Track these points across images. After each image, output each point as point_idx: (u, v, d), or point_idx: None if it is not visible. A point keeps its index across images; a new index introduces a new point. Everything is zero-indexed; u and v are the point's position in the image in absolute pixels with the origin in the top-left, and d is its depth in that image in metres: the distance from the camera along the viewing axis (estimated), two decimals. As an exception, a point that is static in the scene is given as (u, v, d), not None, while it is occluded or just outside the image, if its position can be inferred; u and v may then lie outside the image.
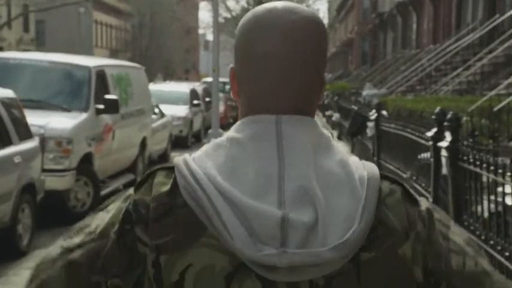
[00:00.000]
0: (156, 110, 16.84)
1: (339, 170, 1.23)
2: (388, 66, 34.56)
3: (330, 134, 1.29)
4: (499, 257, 4.55)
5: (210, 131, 14.82)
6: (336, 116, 22.04)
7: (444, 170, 5.90)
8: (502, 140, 5.30)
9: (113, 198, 1.34)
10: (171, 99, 20.94)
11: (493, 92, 13.30)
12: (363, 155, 13.99)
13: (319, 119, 33.09)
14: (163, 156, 17.11)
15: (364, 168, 1.26)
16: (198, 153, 1.27)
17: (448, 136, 5.79)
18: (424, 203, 1.29)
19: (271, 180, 1.20)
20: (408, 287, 1.24)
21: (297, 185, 1.19)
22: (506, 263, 4.44)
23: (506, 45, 16.78)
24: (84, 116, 10.16)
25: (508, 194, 4.54)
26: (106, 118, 10.71)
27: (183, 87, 23.64)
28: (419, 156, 7.45)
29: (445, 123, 5.91)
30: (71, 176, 9.58)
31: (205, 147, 1.28)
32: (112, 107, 10.56)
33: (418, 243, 1.24)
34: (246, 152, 1.23)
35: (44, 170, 8.97)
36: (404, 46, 36.11)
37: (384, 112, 11.18)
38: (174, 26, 63.50)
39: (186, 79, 61.09)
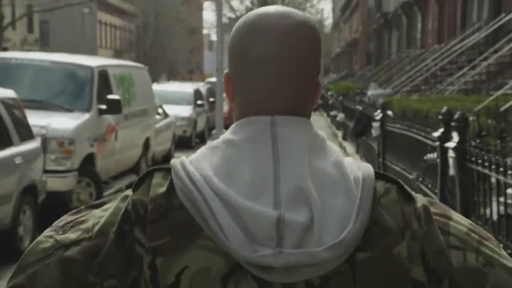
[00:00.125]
0: (160, 111, 16.78)
1: (334, 170, 1.24)
2: (393, 66, 34.48)
3: (324, 135, 1.30)
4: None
5: (214, 132, 14.74)
6: (340, 116, 21.96)
7: (451, 171, 5.81)
8: (509, 141, 5.20)
9: (108, 197, 1.33)
10: (175, 100, 20.88)
11: (500, 92, 13.22)
12: (368, 155, 13.91)
13: (323, 119, 33.04)
14: (167, 157, 17.04)
15: (359, 169, 1.26)
16: (195, 155, 1.28)
17: (455, 136, 5.69)
18: (421, 200, 1.29)
19: (267, 181, 1.21)
20: (404, 286, 1.24)
21: (293, 185, 1.20)
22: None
23: (512, 44, 16.69)
24: (86, 116, 10.08)
25: (517, 195, 4.45)
26: (109, 118, 10.63)
27: (187, 88, 23.58)
28: (425, 157, 7.36)
29: (452, 124, 5.80)
30: (73, 177, 9.50)
31: (202, 149, 1.29)
32: (115, 107, 10.48)
33: (414, 242, 1.24)
34: (241, 153, 1.24)
35: (45, 171, 8.89)
36: (409, 46, 36.02)
37: (389, 112, 11.08)
38: (178, 27, 63.50)
39: (190, 79, 61.08)
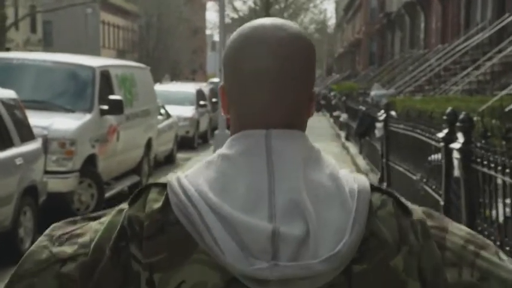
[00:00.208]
0: (162, 111, 16.72)
1: (329, 183, 1.24)
2: (396, 66, 34.41)
3: (319, 148, 1.30)
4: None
5: (216, 132, 14.68)
6: (343, 117, 21.90)
7: (456, 173, 5.73)
8: (515, 141, 5.11)
9: (105, 210, 1.33)
10: (178, 100, 20.83)
11: (504, 92, 13.16)
12: (371, 156, 13.84)
13: (326, 119, 32.97)
14: (170, 157, 16.99)
15: (354, 181, 1.27)
16: (191, 171, 1.28)
17: (460, 137, 5.61)
18: (417, 213, 1.29)
19: (262, 195, 1.21)
20: None
21: (288, 198, 1.20)
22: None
23: (516, 44, 16.60)
24: (88, 117, 10.02)
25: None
26: (110, 119, 10.57)
27: (189, 88, 23.53)
28: (429, 158, 7.28)
29: (457, 124, 5.73)
30: (74, 178, 9.45)
31: (198, 165, 1.29)
32: (116, 107, 10.43)
33: (411, 256, 1.24)
34: (237, 167, 1.24)
35: (46, 172, 8.84)
36: (413, 46, 35.95)
37: (393, 112, 11.01)
38: (181, 27, 63.49)
39: (193, 79, 61.05)
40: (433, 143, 7.14)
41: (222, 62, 1.34)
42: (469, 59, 20.83)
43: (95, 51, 43.53)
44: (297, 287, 1.17)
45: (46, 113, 9.77)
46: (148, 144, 12.98)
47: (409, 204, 1.29)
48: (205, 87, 26.09)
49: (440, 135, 6.43)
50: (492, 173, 4.86)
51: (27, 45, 43.61)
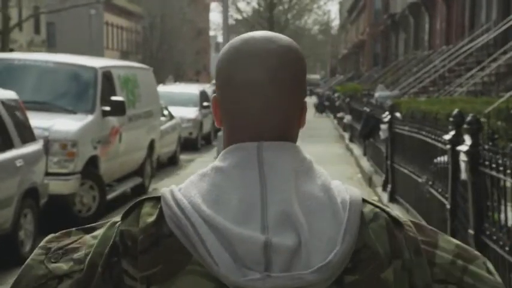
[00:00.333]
0: (165, 112, 16.64)
1: (321, 193, 1.26)
2: (400, 68, 34.30)
3: (312, 159, 1.31)
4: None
5: (219, 133, 14.60)
6: (347, 118, 21.81)
7: (463, 175, 5.62)
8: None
9: (100, 222, 1.35)
10: (181, 101, 20.77)
11: (510, 93, 13.05)
12: (376, 158, 13.73)
13: (330, 120, 32.85)
14: (173, 159, 16.91)
15: (346, 192, 1.28)
16: (185, 183, 1.30)
17: (467, 139, 5.51)
18: (409, 228, 1.31)
19: (254, 206, 1.23)
20: None
21: (280, 210, 1.22)
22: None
23: (521, 45, 16.49)
24: (89, 118, 9.94)
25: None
26: (112, 120, 10.49)
27: (192, 89, 23.46)
28: (435, 160, 7.18)
29: (464, 126, 5.62)
30: (75, 179, 9.37)
31: (191, 177, 1.31)
32: (119, 108, 10.35)
33: (403, 271, 1.27)
34: (230, 179, 1.25)
35: (48, 174, 8.76)
36: (417, 47, 35.83)
37: (398, 114, 10.91)
38: (184, 28, 63.41)
39: (197, 81, 61.02)
40: (439, 145, 7.04)
41: (215, 73, 1.35)
42: (474, 60, 20.72)
43: (98, 53, 43.51)
44: None
45: (47, 114, 9.69)
46: (151, 146, 12.90)
47: (401, 219, 1.31)
48: (208, 88, 26.01)
49: (447, 137, 6.33)
50: (501, 176, 4.76)
51: (30, 46, 43.59)
